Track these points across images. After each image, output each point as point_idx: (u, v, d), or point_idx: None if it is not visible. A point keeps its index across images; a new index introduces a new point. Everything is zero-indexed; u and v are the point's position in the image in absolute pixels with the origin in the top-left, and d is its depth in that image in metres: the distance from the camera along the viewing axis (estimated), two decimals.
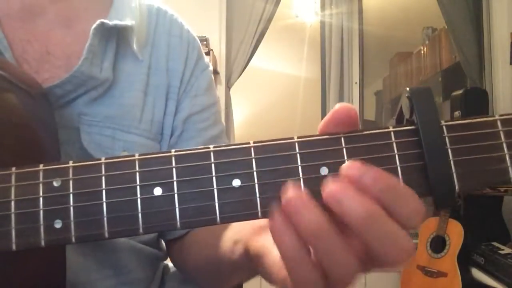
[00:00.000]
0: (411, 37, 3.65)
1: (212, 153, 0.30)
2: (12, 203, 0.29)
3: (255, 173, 0.30)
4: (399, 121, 0.33)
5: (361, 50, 2.93)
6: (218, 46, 2.65)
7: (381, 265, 0.28)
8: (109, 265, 0.52)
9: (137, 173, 0.30)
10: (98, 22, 0.51)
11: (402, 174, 0.30)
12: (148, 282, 0.58)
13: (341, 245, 0.27)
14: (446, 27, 2.81)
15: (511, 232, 2.15)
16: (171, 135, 0.60)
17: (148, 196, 0.29)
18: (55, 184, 0.30)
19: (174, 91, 0.60)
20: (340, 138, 0.30)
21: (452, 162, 0.29)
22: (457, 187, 0.29)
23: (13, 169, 0.30)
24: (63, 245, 0.38)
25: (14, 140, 0.38)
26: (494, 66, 2.62)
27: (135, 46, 0.56)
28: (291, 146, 0.30)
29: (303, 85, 3.88)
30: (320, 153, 0.30)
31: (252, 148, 0.30)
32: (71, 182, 0.30)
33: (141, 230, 0.29)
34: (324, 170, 0.29)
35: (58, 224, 0.29)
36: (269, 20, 2.72)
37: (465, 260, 1.98)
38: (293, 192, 0.27)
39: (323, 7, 2.98)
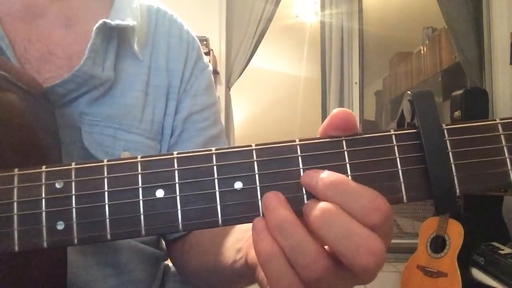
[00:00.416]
0: (411, 37, 3.65)
1: (214, 156, 0.30)
2: (15, 204, 0.29)
3: (257, 175, 0.30)
4: (400, 125, 0.33)
5: (361, 50, 2.93)
6: (218, 46, 2.65)
7: (352, 270, 0.27)
8: (110, 265, 0.52)
9: (139, 175, 0.30)
10: (100, 21, 0.51)
11: (403, 177, 0.30)
12: (148, 282, 0.58)
13: (305, 235, 0.28)
14: (446, 27, 2.81)
15: (511, 232, 2.15)
16: (171, 135, 0.60)
17: (150, 198, 0.29)
18: (57, 185, 0.30)
19: (174, 91, 0.60)
20: (342, 141, 0.30)
21: (453, 166, 0.30)
22: (458, 191, 0.29)
23: (16, 170, 0.30)
24: (65, 247, 0.38)
25: (15, 140, 0.38)
26: (494, 66, 2.62)
27: (135, 47, 0.56)
28: (292, 149, 0.30)
29: (303, 85, 3.88)
30: (322, 156, 0.30)
31: (254, 151, 0.30)
32: (73, 183, 0.30)
33: (143, 232, 0.29)
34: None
35: (60, 226, 0.29)
36: (269, 20, 2.72)
37: (465, 260, 1.98)
38: (270, 192, 0.29)
39: (323, 7, 2.98)
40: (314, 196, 0.29)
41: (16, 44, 0.50)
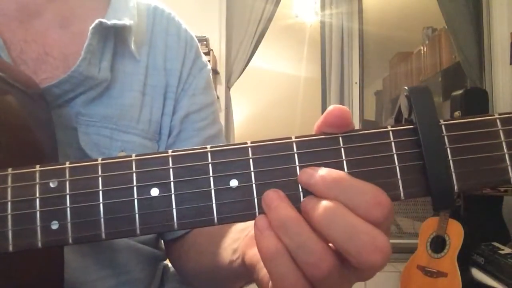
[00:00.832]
0: (411, 37, 3.65)
1: (209, 154, 0.30)
2: (9, 204, 0.29)
3: (252, 173, 0.29)
4: (398, 120, 0.33)
5: (361, 50, 2.94)
6: (218, 46, 2.65)
7: (358, 268, 0.27)
8: (108, 265, 0.52)
9: (134, 174, 0.29)
10: (96, 21, 0.51)
11: (400, 173, 0.29)
12: (147, 282, 0.58)
13: (310, 233, 0.27)
14: (446, 27, 2.81)
15: (511, 232, 2.15)
16: (169, 135, 0.60)
17: (145, 197, 0.29)
18: (51, 185, 0.29)
19: (172, 90, 0.60)
20: (338, 138, 0.30)
21: (451, 162, 0.29)
22: (456, 187, 0.29)
23: (10, 170, 0.30)
24: (61, 246, 0.38)
25: (11, 141, 0.38)
26: (494, 66, 2.62)
27: (132, 46, 0.55)
28: (289, 146, 0.30)
29: (303, 85, 3.89)
30: (318, 153, 0.30)
31: (249, 148, 0.30)
32: (67, 183, 0.29)
33: (138, 231, 0.29)
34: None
35: (54, 225, 0.29)
36: (269, 20, 2.72)
37: (465, 260, 1.98)
38: (271, 190, 0.29)
39: (323, 7, 2.98)
40: (311, 194, 0.29)
41: (12, 45, 0.50)
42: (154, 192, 0.29)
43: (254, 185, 0.29)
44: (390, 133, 0.30)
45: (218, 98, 2.56)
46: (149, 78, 0.58)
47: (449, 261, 1.94)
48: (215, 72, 2.60)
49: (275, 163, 0.30)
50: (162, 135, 0.59)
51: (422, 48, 3.49)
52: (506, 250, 1.92)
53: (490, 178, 0.29)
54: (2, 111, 0.38)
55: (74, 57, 0.50)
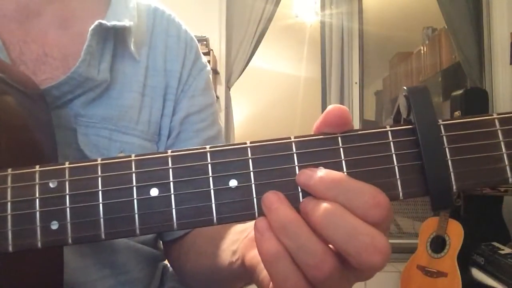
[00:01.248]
0: (411, 37, 3.66)
1: (208, 154, 0.30)
2: (9, 204, 0.29)
3: (252, 173, 0.29)
4: (397, 121, 0.33)
5: (361, 50, 2.93)
6: (218, 46, 2.65)
7: (359, 269, 0.27)
8: (108, 265, 0.52)
9: (134, 174, 0.29)
10: (96, 22, 0.51)
11: (399, 173, 0.29)
12: (147, 282, 0.58)
13: (310, 235, 0.27)
14: (446, 27, 2.81)
15: (511, 232, 2.15)
16: (169, 136, 0.60)
17: (144, 197, 0.29)
18: (51, 185, 0.29)
19: (172, 91, 0.60)
20: (337, 137, 0.30)
21: (449, 162, 0.29)
22: (454, 187, 0.29)
23: (9, 170, 0.30)
24: (61, 246, 0.38)
25: (11, 141, 0.38)
26: (494, 66, 2.62)
27: (132, 47, 0.55)
28: (288, 146, 0.30)
29: (303, 85, 3.89)
30: (317, 153, 0.30)
31: (248, 148, 0.30)
32: (67, 183, 0.29)
33: (137, 231, 0.29)
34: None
35: (54, 226, 0.29)
36: (269, 20, 2.72)
37: (465, 260, 1.98)
38: (271, 192, 0.29)
39: (323, 7, 2.98)
40: (310, 194, 0.29)
41: (11, 45, 0.50)
42: (154, 192, 0.29)
43: (253, 185, 0.29)
44: (389, 133, 0.30)
45: (218, 98, 2.57)
46: (149, 79, 0.58)
47: (449, 261, 1.94)
48: (215, 72, 2.60)
49: (274, 163, 0.30)
50: (162, 136, 0.59)
51: (422, 48, 3.49)
52: (506, 250, 1.92)
53: (489, 177, 0.29)
54: (2, 112, 0.38)
55: (73, 58, 0.50)
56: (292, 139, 0.30)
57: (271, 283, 0.31)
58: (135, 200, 0.29)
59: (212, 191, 0.29)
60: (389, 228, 0.30)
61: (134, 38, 0.56)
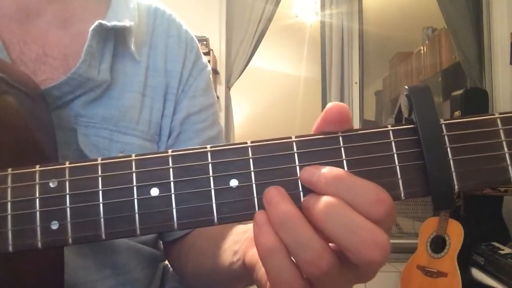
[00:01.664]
0: (411, 37, 3.66)
1: (209, 153, 0.30)
2: (9, 204, 0.29)
3: (252, 173, 0.29)
4: (398, 120, 0.32)
5: (361, 50, 2.93)
6: (218, 46, 2.65)
7: (358, 265, 0.27)
8: (108, 265, 0.52)
9: (134, 174, 0.29)
10: (96, 23, 0.51)
11: (400, 173, 0.29)
12: (147, 282, 0.58)
13: (309, 230, 0.27)
14: (446, 27, 2.81)
15: (511, 232, 2.15)
16: (169, 136, 0.60)
17: (145, 196, 0.29)
18: (51, 185, 0.29)
19: (172, 91, 0.60)
20: (338, 137, 0.30)
21: (451, 161, 0.29)
22: (456, 187, 0.29)
23: (9, 170, 0.30)
24: (61, 247, 0.38)
25: (11, 141, 0.37)
26: (494, 66, 2.62)
27: (133, 47, 0.55)
28: (289, 145, 0.30)
29: (303, 85, 3.89)
30: (318, 153, 0.30)
31: (249, 148, 0.30)
32: (67, 183, 0.29)
33: (138, 231, 0.29)
34: None
35: (54, 225, 0.29)
36: (269, 20, 2.72)
37: (465, 260, 1.98)
38: (272, 187, 0.29)
39: (323, 7, 2.98)
40: (311, 192, 0.29)
41: (11, 45, 0.49)
42: (154, 192, 0.29)
43: (254, 185, 0.29)
44: (390, 132, 0.30)
45: (218, 98, 2.56)
46: (149, 79, 0.58)
47: (449, 261, 1.94)
48: (215, 72, 2.60)
49: (275, 162, 0.30)
50: (162, 136, 0.59)
51: (422, 48, 3.49)
52: (506, 250, 1.92)
53: (491, 177, 0.29)
54: (2, 111, 0.38)
55: (74, 58, 0.50)
56: (293, 139, 0.30)
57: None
58: (136, 200, 0.29)
59: (212, 191, 0.29)
60: (392, 227, 0.29)
61: (134, 38, 0.56)
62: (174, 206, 0.29)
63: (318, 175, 0.28)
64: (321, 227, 0.27)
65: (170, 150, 0.30)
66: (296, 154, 0.30)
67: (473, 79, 2.66)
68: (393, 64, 3.92)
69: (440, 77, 3.13)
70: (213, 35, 2.62)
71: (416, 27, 3.59)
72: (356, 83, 2.88)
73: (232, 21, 2.72)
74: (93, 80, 0.51)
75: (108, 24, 0.52)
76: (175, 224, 0.29)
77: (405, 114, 0.30)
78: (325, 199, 0.27)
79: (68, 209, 0.29)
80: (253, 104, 3.91)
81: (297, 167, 0.29)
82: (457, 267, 1.92)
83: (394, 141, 0.30)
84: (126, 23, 0.54)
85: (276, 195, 0.29)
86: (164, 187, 0.29)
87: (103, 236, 0.29)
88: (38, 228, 0.29)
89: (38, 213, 0.29)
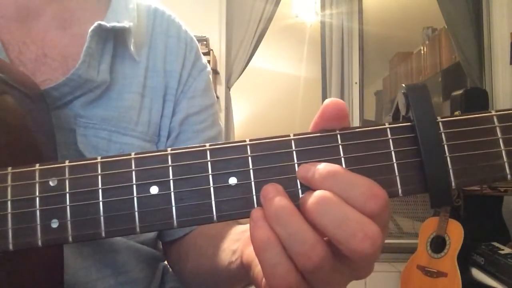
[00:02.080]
0: (411, 37, 3.66)
1: (208, 152, 0.30)
2: (9, 203, 0.29)
3: (251, 171, 0.30)
4: (396, 118, 0.33)
5: (361, 50, 2.93)
6: (218, 46, 2.65)
7: (349, 257, 0.27)
8: (108, 265, 0.52)
9: (133, 172, 0.30)
10: (95, 24, 0.50)
11: (398, 170, 0.30)
12: (147, 282, 0.58)
13: (302, 223, 0.28)
14: (446, 27, 2.81)
15: (511, 232, 2.15)
16: (168, 137, 0.60)
17: (144, 195, 0.29)
18: (51, 183, 0.30)
19: (172, 92, 0.60)
20: (336, 135, 0.30)
21: (448, 159, 0.29)
22: (453, 184, 0.29)
23: (9, 169, 0.30)
24: (61, 246, 0.38)
25: (10, 141, 0.38)
26: (494, 66, 2.62)
27: (132, 48, 0.55)
28: (287, 143, 0.30)
29: (303, 85, 3.89)
30: (317, 150, 0.30)
31: (248, 146, 0.30)
32: (67, 181, 0.30)
33: (138, 229, 0.29)
34: None
35: (54, 224, 0.29)
36: (269, 20, 2.72)
37: (465, 260, 1.98)
38: (269, 184, 0.29)
39: (323, 7, 2.98)
40: (310, 189, 0.29)
41: (10, 46, 0.49)
42: (154, 190, 0.29)
43: (253, 183, 0.30)
44: (388, 130, 0.30)
45: (218, 98, 2.56)
46: (149, 80, 0.58)
47: (449, 261, 1.94)
48: (215, 72, 2.60)
49: (274, 160, 0.30)
50: (161, 137, 0.59)
51: (422, 48, 3.50)
52: (506, 250, 1.92)
53: (487, 174, 0.29)
54: (2, 112, 0.38)
55: (73, 59, 0.50)
56: (292, 137, 0.30)
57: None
58: (135, 198, 0.29)
59: (211, 189, 0.29)
60: (388, 224, 0.30)
61: (134, 39, 0.56)
62: (173, 204, 0.29)
63: (313, 171, 0.29)
64: (314, 220, 0.28)
65: (169, 149, 0.30)
66: (294, 152, 0.30)
67: (473, 79, 2.66)
68: (393, 64, 3.92)
69: (440, 77, 3.13)
70: (213, 35, 2.62)
71: (416, 27, 3.59)
72: (356, 83, 2.88)
73: (232, 21, 2.72)
74: (92, 81, 0.51)
75: (108, 25, 0.52)
76: (175, 222, 0.29)
77: (403, 112, 0.31)
78: (318, 193, 0.28)
79: (68, 207, 0.29)
80: (253, 104, 3.91)
81: (296, 165, 0.30)
82: (457, 267, 1.92)
83: (392, 139, 0.30)
84: (126, 24, 0.54)
85: (272, 191, 0.29)
86: (164, 185, 0.29)
87: (103, 234, 0.29)
88: (38, 227, 0.29)
89: (38, 211, 0.29)
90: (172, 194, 0.29)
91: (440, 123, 0.30)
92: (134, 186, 0.29)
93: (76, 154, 0.50)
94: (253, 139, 0.30)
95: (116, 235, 0.30)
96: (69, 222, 0.29)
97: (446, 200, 0.28)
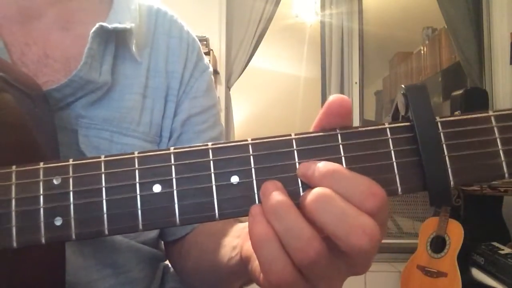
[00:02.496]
0: (411, 37, 3.66)
1: (210, 150, 0.30)
2: (13, 201, 0.29)
3: (253, 169, 0.30)
4: (395, 118, 0.33)
5: (361, 50, 2.93)
6: (218, 46, 2.65)
7: (347, 252, 0.28)
8: (109, 265, 0.52)
9: (137, 171, 0.30)
10: (97, 25, 0.51)
11: (397, 169, 0.30)
12: (147, 282, 0.58)
13: (299, 218, 0.28)
14: (446, 27, 2.81)
15: (511, 232, 2.15)
16: (170, 137, 0.60)
17: (147, 193, 0.30)
18: (55, 182, 0.30)
19: (173, 93, 0.60)
20: (337, 134, 0.30)
21: (447, 158, 0.30)
22: (452, 182, 0.30)
23: (13, 167, 0.30)
24: (63, 246, 0.38)
25: (13, 142, 0.38)
26: (494, 66, 2.62)
27: (134, 49, 0.55)
28: (288, 142, 0.30)
29: (303, 85, 3.89)
30: (317, 150, 0.30)
31: (250, 145, 0.30)
32: (71, 180, 0.30)
33: (140, 227, 0.29)
34: None
35: (58, 222, 0.29)
36: (269, 20, 2.72)
37: (465, 260, 1.98)
38: (269, 181, 0.30)
39: (323, 7, 2.98)
40: (310, 187, 0.29)
41: (12, 47, 0.50)
42: (157, 188, 0.30)
43: (254, 181, 0.30)
44: (388, 130, 0.30)
45: (218, 98, 2.56)
46: (151, 81, 0.58)
47: (449, 261, 1.94)
48: (215, 72, 2.60)
49: (275, 159, 0.30)
50: (163, 137, 0.59)
51: (422, 48, 3.50)
52: (506, 250, 1.92)
53: (485, 173, 0.30)
54: (4, 112, 0.38)
55: (75, 60, 0.51)
56: (293, 136, 0.31)
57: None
58: (138, 196, 0.30)
59: (214, 187, 0.30)
60: (386, 222, 0.30)
61: (135, 40, 0.56)
62: (176, 202, 0.29)
63: (313, 169, 0.29)
64: (314, 217, 0.28)
65: (172, 148, 0.30)
66: (295, 151, 0.30)
67: (473, 79, 2.66)
68: (393, 64, 3.92)
69: (440, 77, 3.13)
70: (213, 35, 2.62)
71: (416, 27, 3.59)
72: (356, 83, 2.88)
73: (232, 21, 2.72)
74: (94, 82, 0.51)
75: (109, 26, 0.52)
76: (177, 219, 0.29)
77: (402, 112, 0.31)
78: (317, 190, 0.28)
79: (71, 205, 0.29)
80: (253, 104, 3.91)
81: (297, 164, 0.30)
82: (457, 267, 1.92)
83: (391, 138, 0.30)
84: (127, 25, 0.54)
85: (271, 187, 0.29)
86: (166, 184, 0.30)
87: (106, 232, 0.29)
88: (42, 224, 0.29)
89: (42, 209, 0.29)
90: (175, 192, 0.30)
91: (439, 123, 0.30)
92: (137, 185, 0.30)
93: (78, 154, 0.50)
94: (255, 138, 0.31)
95: (119, 233, 0.30)
96: (72, 220, 0.29)
97: (445, 198, 0.29)
